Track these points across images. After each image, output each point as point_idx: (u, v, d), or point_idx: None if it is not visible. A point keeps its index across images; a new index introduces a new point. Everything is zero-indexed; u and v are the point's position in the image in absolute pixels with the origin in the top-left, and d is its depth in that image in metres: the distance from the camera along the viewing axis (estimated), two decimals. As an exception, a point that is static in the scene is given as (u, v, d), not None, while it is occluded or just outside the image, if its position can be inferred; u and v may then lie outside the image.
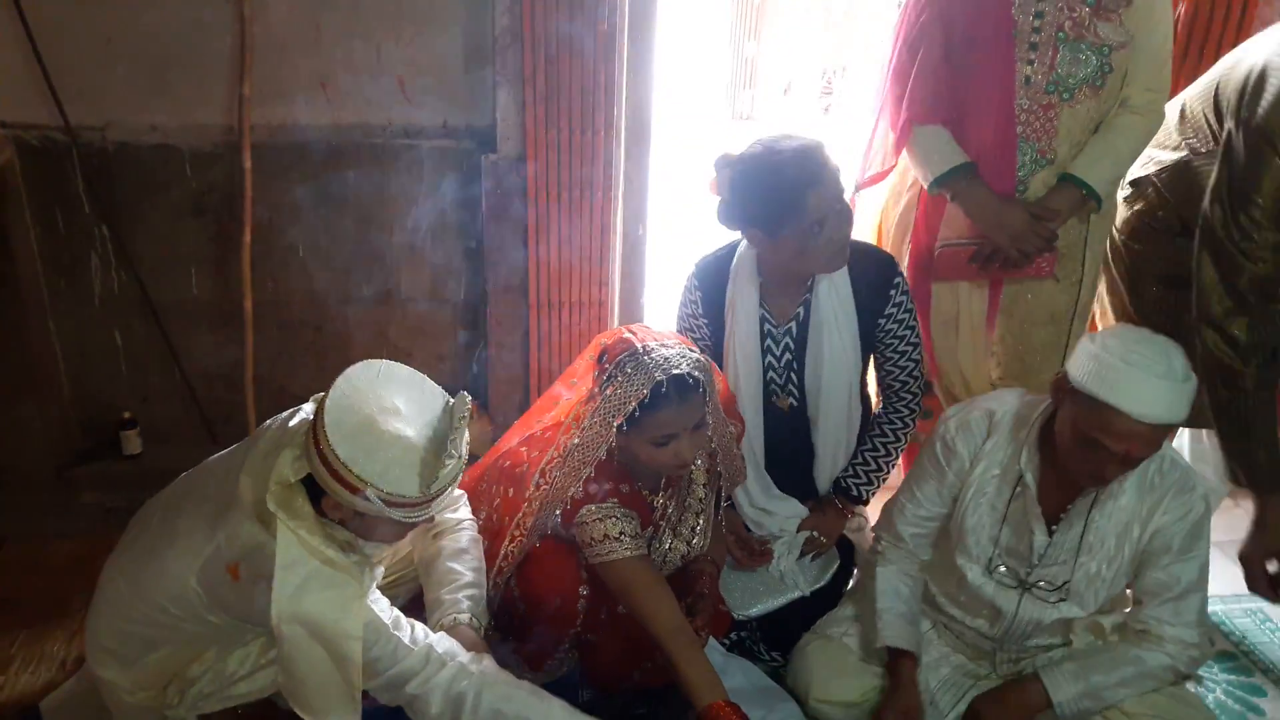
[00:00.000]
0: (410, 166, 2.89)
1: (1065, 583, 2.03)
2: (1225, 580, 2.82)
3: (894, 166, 2.58)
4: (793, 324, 2.36)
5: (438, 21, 2.76)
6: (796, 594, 2.40)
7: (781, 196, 2.11)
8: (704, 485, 2.22)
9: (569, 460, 2.02)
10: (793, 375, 2.39)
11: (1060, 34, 2.27)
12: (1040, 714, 2.01)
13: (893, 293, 2.31)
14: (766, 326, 2.37)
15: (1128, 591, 2.12)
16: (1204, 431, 2.61)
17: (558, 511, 2.06)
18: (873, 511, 2.52)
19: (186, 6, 2.67)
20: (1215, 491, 2.69)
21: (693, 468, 2.19)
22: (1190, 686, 2.36)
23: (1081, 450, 1.85)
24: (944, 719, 2.14)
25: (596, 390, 1.98)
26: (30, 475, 2.04)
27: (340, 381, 1.77)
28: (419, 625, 1.88)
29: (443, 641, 1.87)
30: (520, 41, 2.68)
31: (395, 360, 1.80)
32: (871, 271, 2.31)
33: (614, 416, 1.93)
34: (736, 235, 2.34)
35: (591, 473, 2.02)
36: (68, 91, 2.69)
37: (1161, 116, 2.36)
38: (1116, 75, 2.30)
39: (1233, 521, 3.11)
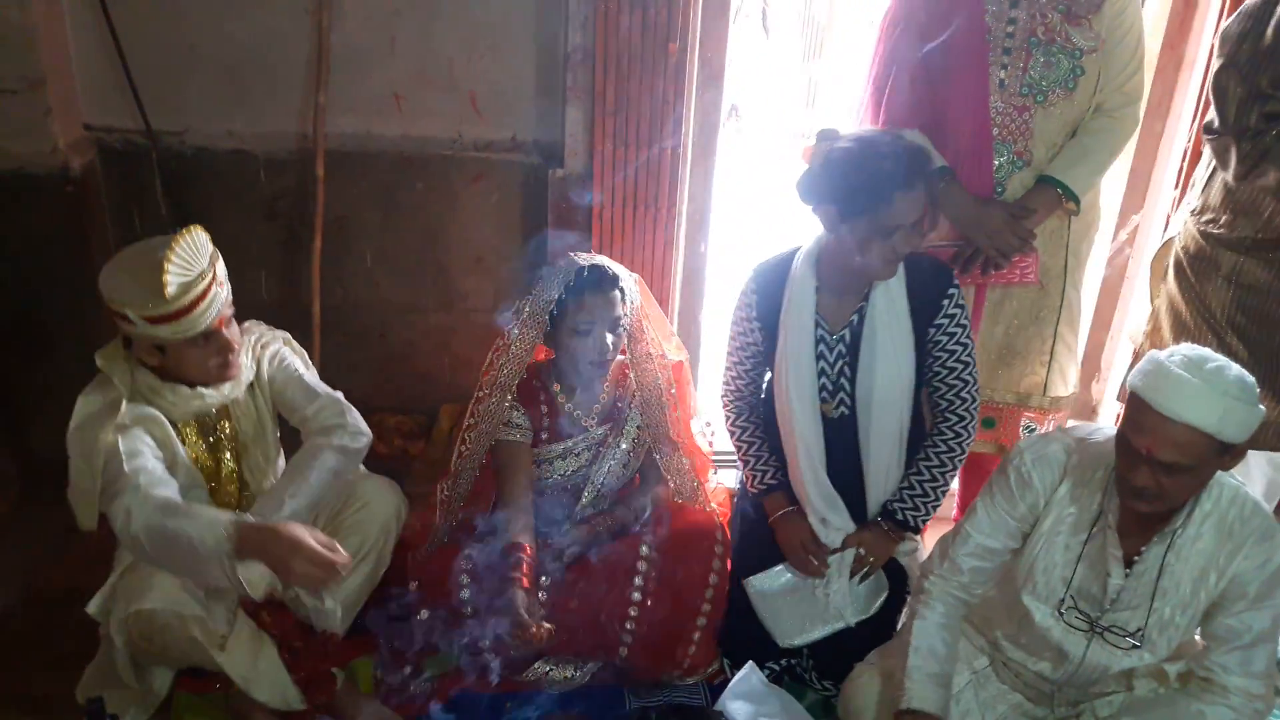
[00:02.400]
0: (478, 179, 2.93)
1: (1139, 629, 1.96)
2: None
3: None
4: (846, 331, 2.34)
5: (511, 38, 2.80)
6: (842, 624, 2.36)
7: (873, 183, 2.11)
8: (637, 420, 2.47)
9: (512, 349, 2.35)
10: (845, 383, 2.36)
11: (1033, 39, 2.35)
12: None
13: (946, 302, 2.29)
14: (820, 332, 2.35)
15: (1197, 638, 2.06)
16: (1254, 454, 2.56)
17: (509, 397, 2.38)
18: (928, 540, 2.48)
19: (267, 16, 2.74)
20: None
21: (630, 405, 2.45)
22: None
23: (1119, 455, 1.83)
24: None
25: (529, 289, 2.34)
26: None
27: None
28: (149, 460, 2.04)
29: (150, 474, 2.01)
30: (591, 59, 2.70)
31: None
32: (927, 280, 2.30)
33: (544, 304, 2.29)
34: (797, 244, 2.34)
35: (539, 360, 2.34)
36: (150, 97, 2.77)
37: (1136, 121, 2.47)
38: (1089, 78, 2.37)
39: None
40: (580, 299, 2.29)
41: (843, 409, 2.38)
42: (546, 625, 2.14)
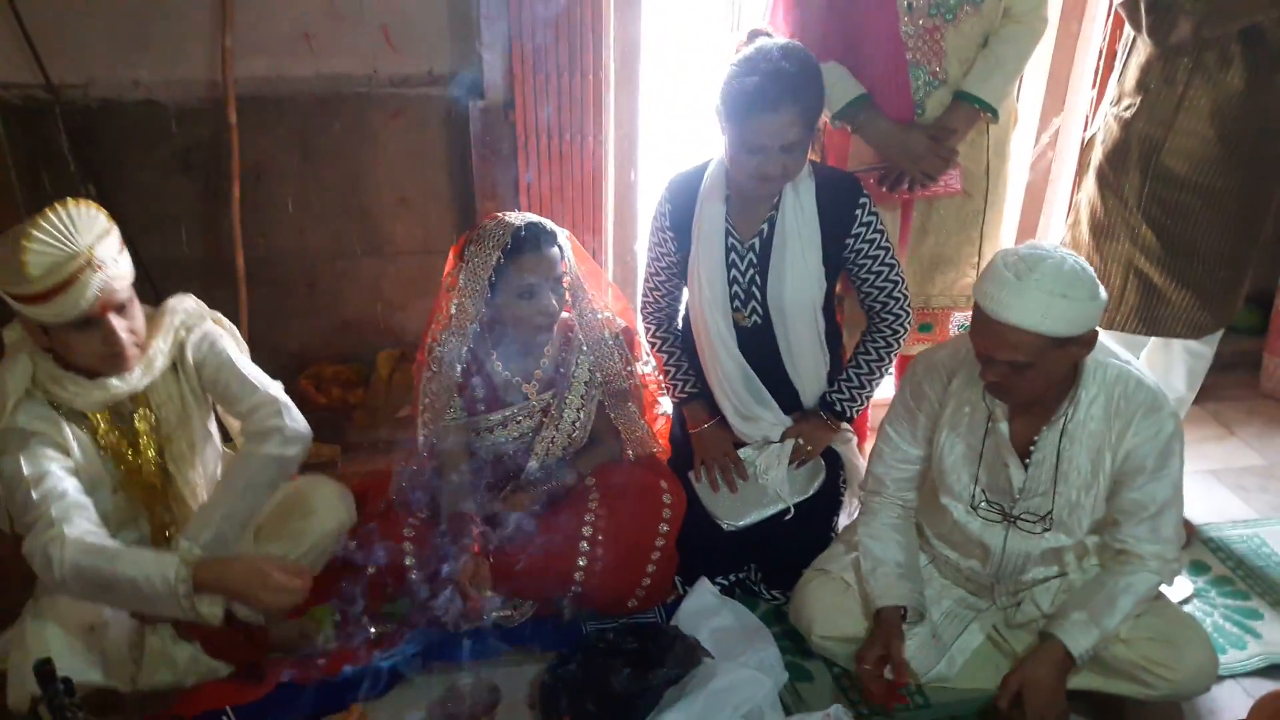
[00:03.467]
0: (397, 116, 2.87)
1: (1048, 513, 2.05)
2: (1219, 506, 2.86)
3: None
4: (756, 240, 2.36)
5: (421, -34, 2.72)
6: (783, 505, 2.42)
7: (742, 96, 2.13)
8: (584, 384, 2.39)
9: (454, 323, 2.25)
10: (756, 291, 2.39)
11: None
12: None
13: (858, 212, 2.31)
14: (731, 241, 2.37)
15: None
16: (1175, 341, 2.66)
17: (458, 368, 2.28)
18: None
19: (165, -44, 2.63)
20: (1184, 401, 2.75)
21: (574, 368, 2.37)
22: (1190, 609, 2.40)
23: (975, 350, 1.93)
24: (948, 650, 2.17)
25: (461, 255, 2.23)
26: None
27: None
28: (62, 481, 1.94)
29: (66, 505, 1.91)
30: (504, -17, 2.63)
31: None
32: (837, 193, 2.32)
33: (482, 269, 2.18)
34: (713, 155, 2.35)
35: (477, 328, 2.26)
36: (48, 49, 2.65)
37: (1044, 21, 2.46)
38: None
39: (1229, 451, 3.15)
40: (520, 260, 2.18)
41: (755, 317, 2.41)
42: (489, 594, 2.18)
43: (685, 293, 2.50)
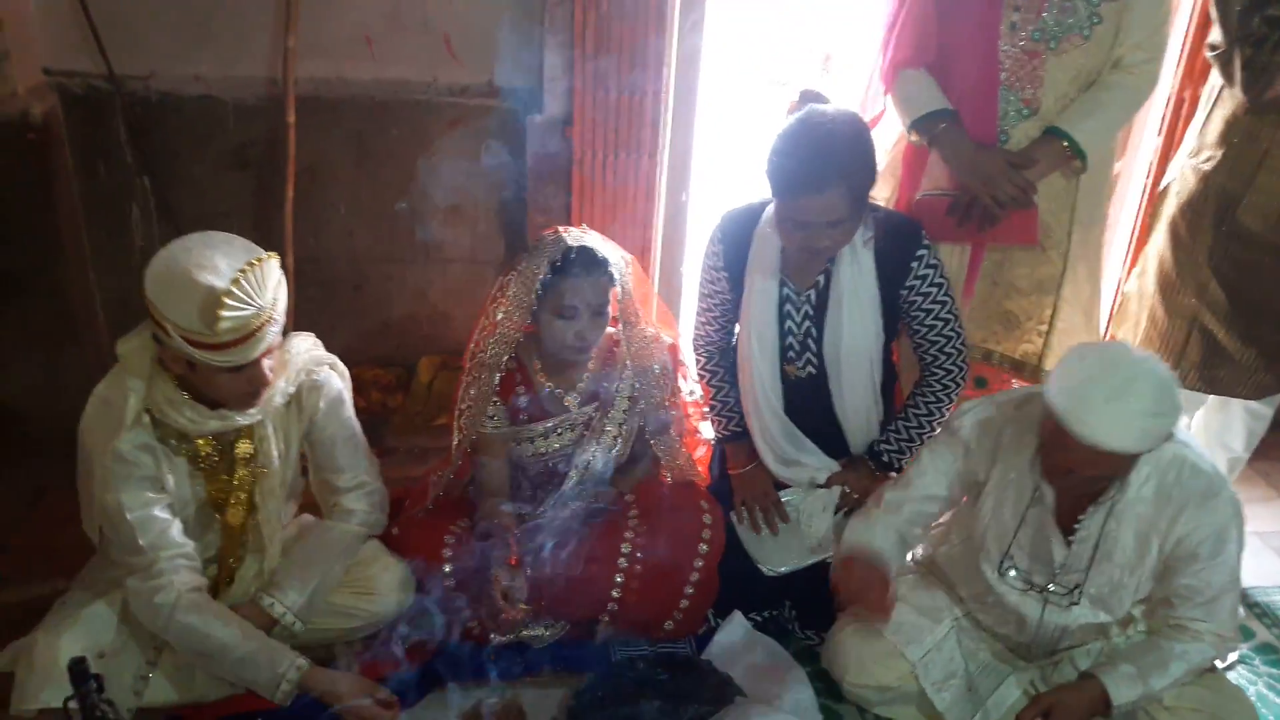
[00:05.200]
0: (455, 125, 2.86)
1: (1078, 586, 2.00)
2: (1266, 570, 2.79)
3: (882, 114, 2.52)
4: (812, 291, 2.32)
5: (487, -23, 2.71)
6: (826, 554, 2.37)
7: (785, 176, 2.11)
8: (628, 399, 2.36)
9: (499, 331, 2.23)
10: (811, 344, 2.35)
11: None
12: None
13: (914, 264, 2.27)
14: (786, 291, 2.34)
15: None
16: (1234, 401, 2.58)
17: (497, 377, 2.26)
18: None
19: (234, -47, 2.64)
20: (1238, 462, 2.68)
21: (618, 386, 2.34)
22: (1233, 676, 2.33)
23: (1044, 453, 1.87)
24: (983, 703, 2.11)
25: (514, 266, 2.22)
26: (67, 426, 2.04)
27: (175, 241, 1.90)
28: (168, 527, 1.97)
29: (172, 554, 1.96)
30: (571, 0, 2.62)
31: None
32: (895, 242, 2.27)
33: (530, 283, 2.17)
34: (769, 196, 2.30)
35: (521, 337, 2.25)
36: (112, 40, 2.67)
37: (1155, 79, 2.34)
38: (1106, 27, 2.26)
39: (1277, 514, 3.07)
40: (565, 282, 2.17)
41: (810, 369, 2.37)
42: (524, 607, 2.16)
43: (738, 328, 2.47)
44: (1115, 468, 1.80)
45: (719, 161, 3.52)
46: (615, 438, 2.37)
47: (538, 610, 2.22)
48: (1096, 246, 2.54)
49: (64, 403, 2.80)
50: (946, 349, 2.35)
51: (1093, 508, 1.93)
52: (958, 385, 2.39)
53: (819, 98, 2.16)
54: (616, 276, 2.23)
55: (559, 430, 2.35)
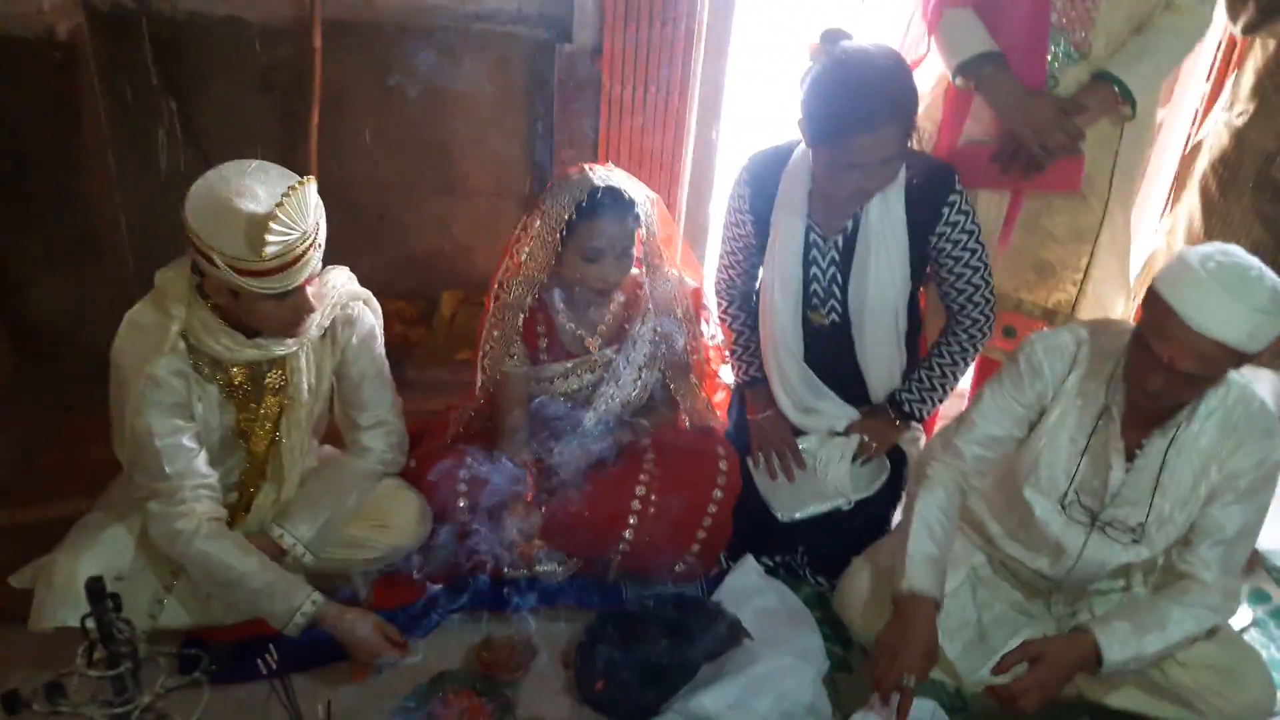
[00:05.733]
0: (481, 52, 2.80)
1: (1140, 524, 1.96)
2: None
3: (924, 56, 2.43)
4: (839, 237, 2.28)
5: (519, -102, 2.65)
6: (842, 501, 2.37)
7: (835, 118, 2.02)
8: (649, 343, 2.34)
9: (523, 271, 2.22)
10: (836, 290, 2.31)
11: None
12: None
13: (946, 210, 2.21)
14: (812, 236, 2.29)
15: None
16: (1263, 371, 2.51)
17: (520, 317, 2.27)
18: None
19: (261, -128, 2.58)
20: None
21: (640, 329, 2.31)
22: (1244, 637, 2.32)
23: (1135, 354, 1.79)
24: (995, 655, 2.11)
25: (538, 204, 2.18)
26: (93, 345, 2.05)
27: (210, 171, 1.89)
28: (194, 456, 2.00)
29: (195, 483, 1.99)
30: (603, -77, 2.55)
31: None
32: (927, 188, 2.21)
33: (555, 223, 2.14)
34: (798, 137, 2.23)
35: (545, 278, 2.24)
36: (138, -44, 2.63)
37: (1207, 22, 2.24)
38: None
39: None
40: (591, 223, 2.13)
41: (834, 316, 2.34)
42: (537, 542, 2.18)
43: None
44: (1210, 367, 1.72)
45: (753, 99, 3.43)
46: (635, 380, 2.36)
47: (550, 545, 2.23)
48: (1132, 196, 2.47)
49: (89, 322, 2.83)
50: (975, 298, 2.30)
51: (1158, 432, 1.90)
52: (984, 335, 2.35)
53: (843, 35, 2.08)
54: (643, 217, 2.20)
55: (579, 371, 2.34)
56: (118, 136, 2.82)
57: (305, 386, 2.13)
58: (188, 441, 1.99)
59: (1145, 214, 3.09)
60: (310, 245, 1.88)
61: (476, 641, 2.15)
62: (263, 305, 1.91)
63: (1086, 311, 2.48)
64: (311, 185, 1.89)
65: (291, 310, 1.94)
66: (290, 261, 1.85)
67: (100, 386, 2.06)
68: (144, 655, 1.61)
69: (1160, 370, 1.75)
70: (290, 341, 2.04)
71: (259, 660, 2.09)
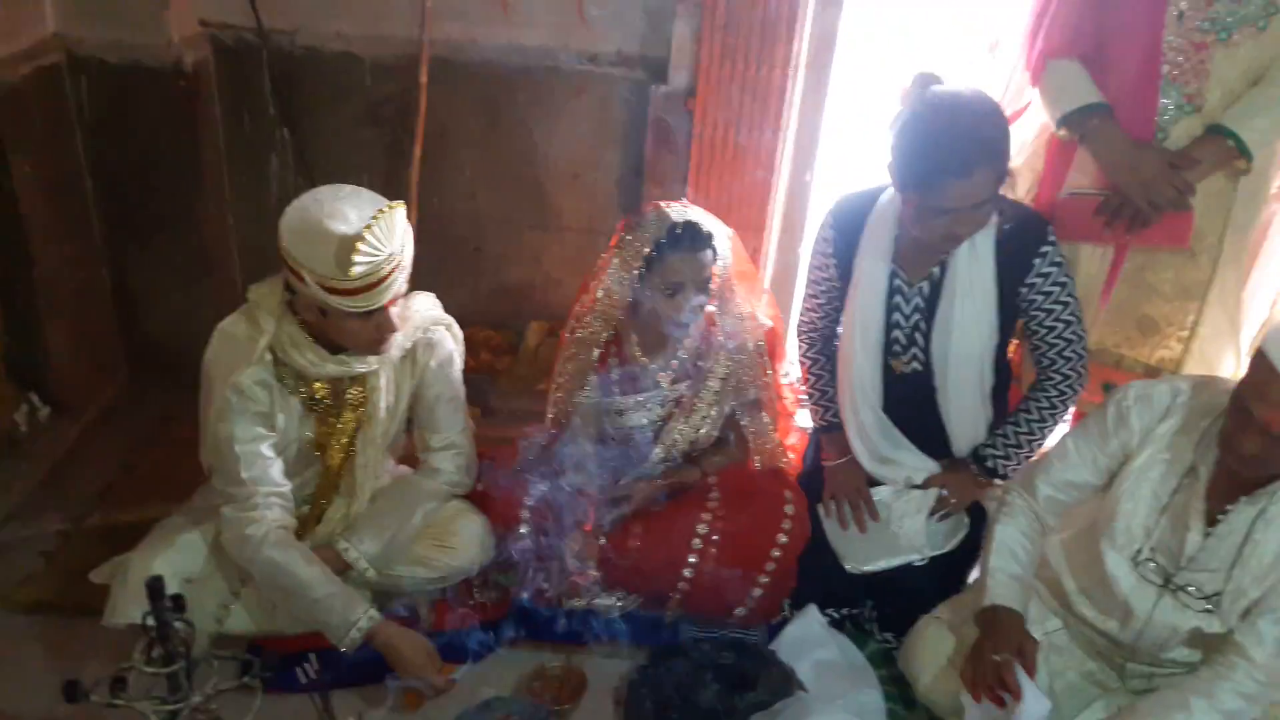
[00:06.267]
0: (580, 93, 2.87)
1: (1216, 593, 1.84)
2: None
3: (1026, 107, 2.36)
4: (925, 283, 2.22)
5: (622, -61, 2.70)
6: (916, 556, 2.29)
7: (927, 166, 1.97)
8: (720, 380, 2.32)
9: (598, 306, 2.25)
10: (919, 338, 2.25)
11: None
12: None
13: (1038, 261, 2.13)
14: (896, 283, 2.24)
15: None
16: None
17: (596, 352, 2.28)
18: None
19: (380, -83, 2.71)
20: None
21: (712, 365, 2.31)
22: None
23: (1233, 415, 1.70)
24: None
25: (618, 241, 2.19)
26: (198, 359, 2.15)
27: (306, 193, 1.98)
28: (270, 465, 2.06)
29: (269, 491, 2.05)
30: (704, -32, 2.58)
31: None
32: (1020, 237, 2.14)
33: (634, 258, 2.15)
34: (886, 182, 2.19)
35: (621, 313, 2.26)
36: (264, -6, 2.79)
37: None
38: None
39: None
40: (669, 258, 2.13)
41: (915, 365, 2.28)
42: (594, 573, 2.18)
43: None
44: None
45: (855, 144, 3.40)
46: (705, 417, 2.34)
47: (608, 580, 2.22)
48: (1244, 253, 2.33)
49: (196, 337, 2.95)
50: (1066, 352, 2.21)
51: (1245, 501, 1.79)
52: (1075, 391, 2.25)
53: (935, 79, 2.04)
54: (720, 252, 2.19)
55: (649, 405, 2.34)
56: (234, 163, 2.98)
57: (383, 405, 2.18)
58: (266, 450, 2.06)
59: (1268, 273, 2.92)
60: (395, 267, 1.94)
61: (529, 670, 2.14)
62: (348, 323, 1.97)
63: (1193, 370, 2.35)
64: (400, 210, 1.95)
65: (375, 328, 2.00)
66: (376, 282, 1.91)
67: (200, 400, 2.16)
68: (198, 656, 1.66)
69: (1257, 434, 1.66)
70: (372, 359, 2.10)
71: (298, 669, 2.12)
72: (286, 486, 2.11)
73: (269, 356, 2.05)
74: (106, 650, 2.05)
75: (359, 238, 1.85)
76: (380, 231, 1.88)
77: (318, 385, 2.12)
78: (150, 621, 1.62)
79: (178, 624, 1.64)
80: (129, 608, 1.99)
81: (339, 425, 2.19)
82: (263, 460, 2.06)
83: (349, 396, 2.17)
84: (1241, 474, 1.76)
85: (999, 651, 1.83)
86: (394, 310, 2.01)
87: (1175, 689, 1.84)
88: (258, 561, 2.03)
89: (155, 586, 1.62)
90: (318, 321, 2.00)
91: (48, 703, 1.97)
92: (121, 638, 2.01)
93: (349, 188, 2.01)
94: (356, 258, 1.85)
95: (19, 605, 2.33)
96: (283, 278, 2.00)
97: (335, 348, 2.06)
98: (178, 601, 1.66)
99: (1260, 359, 1.65)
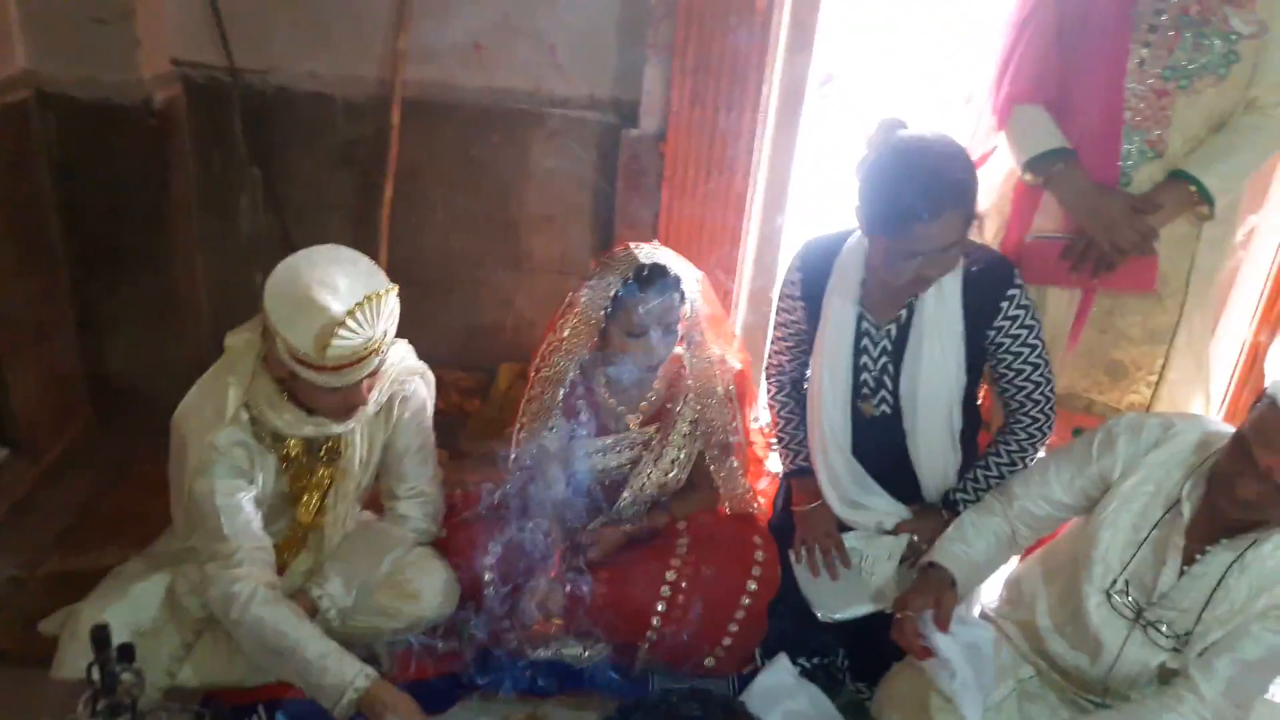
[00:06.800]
0: (553, 135, 2.87)
1: (1186, 633, 1.83)
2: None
3: (991, 151, 2.39)
4: (893, 326, 2.22)
5: (596, -14, 2.71)
6: (888, 606, 2.25)
7: (893, 211, 1.97)
8: (690, 423, 2.32)
9: (564, 347, 2.23)
10: (887, 381, 2.24)
11: (1184, 16, 2.09)
12: None
13: (1005, 304, 2.14)
14: (864, 325, 2.23)
15: None
16: None
17: (560, 391, 2.26)
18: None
19: (354, -41, 2.71)
20: None
21: (681, 409, 2.30)
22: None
23: (1233, 458, 1.71)
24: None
25: (584, 281, 2.20)
26: (164, 400, 2.11)
27: (302, 251, 1.93)
28: (252, 520, 2.00)
29: (253, 546, 1.98)
30: (674, 13, 2.59)
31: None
32: (986, 278, 2.15)
33: (601, 298, 2.15)
34: (854, 226, 2.20)
35: (587, 354, 2.25)
36: (236, 34, 2.79)
37: None
38: (1244, 66, 2.11)
39: None
40: (636, 300, 2.13)
41: (884, 408, 2.27)
42: (558, 621, 2.14)
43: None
44: None
45: (826, 188, 3.41)
46: (673, 461, 2.32)
47: (574, 628, 2.18)
48: (1211, 302, 2.36)
49: (163, 377, 2.92)
50: (1034, 395, 2.21)
51: (1225, 543, 1.79)
52: (1043, 435, 2.25)
53: (900, 123, 2.05)
54: (688, 295, 2.18)
55: (618, 448, 2.32)
56: (204, 201, 2.96)
57: (357, 460, 2.14)
58: (247, 504, 2.00)
59: (1232, 317, 2.94)
60: (374, 351, 1.89)
61: (493, 720, 2.10)
62: (317, 393, 1.93)
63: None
64: (392, 294, 1.90)
65: (343, 399, 1.96)
66: (351, 363, 1.86)
67: (166, 442, 2.10)
68: (145, 708, 1.61)
69: (1256, 479, 1.67)
70: (349, 422, 2.05)
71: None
72: (268, 541, 2.05)
73: (245, 415, 2.00)
74: (58, 703, 1.99)
75: (341, 322, 1.80)
76: (364, 316, 1.83)
77: (292, 443, 2.08)
78: (94, 674, 1.58)
79: (126, 675, 1.60)
80: (77, 660, 1.92)
81: (313, 481, 2.15)
82: (244, 515, 1.99)
83: (323, 453, 2.13)
84: (1228, 515, 1.76)
85: (914, 607, 1.94)
86: (365, 383, 1.95)
87: (1120, 712, 1.84)
88: (245, 621, 1.93)
89: (100, 636, 1.58)
90: (288, 379, 1.95)
91: (-4, 756, 1.92)
92: (71, 689, 1.96)
93: (347, 251, 1.96)
94: (335, 341, 1.80)
95: (-33, 654, 2.26)
96: (260, 322, 1.94)
97: (309, 408, 2.01)
98: (127, 651, 1.62)
99: (1272, 405, 1.66)
